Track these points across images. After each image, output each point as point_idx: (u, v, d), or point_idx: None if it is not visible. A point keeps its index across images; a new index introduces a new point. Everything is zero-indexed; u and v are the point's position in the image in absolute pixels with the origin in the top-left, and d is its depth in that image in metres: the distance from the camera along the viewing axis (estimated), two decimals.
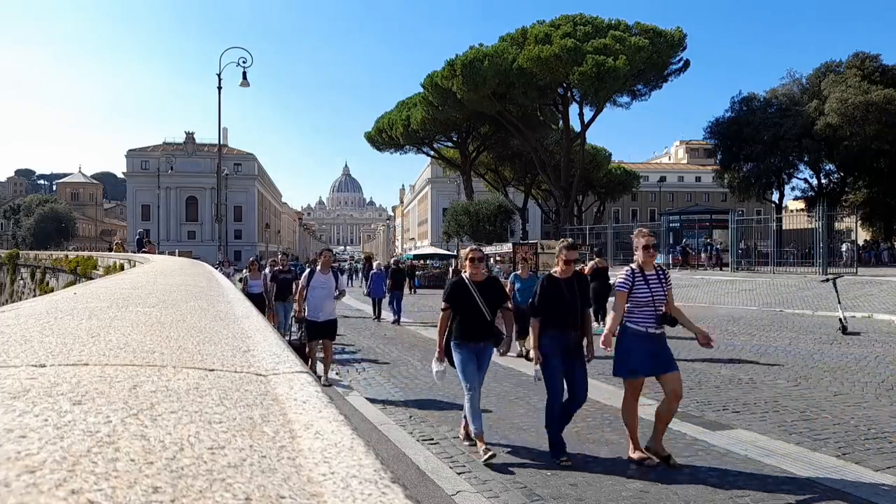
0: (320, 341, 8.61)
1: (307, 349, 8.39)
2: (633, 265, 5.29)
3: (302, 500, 0.66)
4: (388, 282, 17.58)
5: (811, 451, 5.33)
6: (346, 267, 48.96)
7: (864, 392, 7.59)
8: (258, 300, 11.05)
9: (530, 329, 5.44)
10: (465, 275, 5.69)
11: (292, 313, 10.61)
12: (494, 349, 5.66)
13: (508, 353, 10.09)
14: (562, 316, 5.36)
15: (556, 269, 5.56)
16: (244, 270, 15.51)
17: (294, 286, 11.30)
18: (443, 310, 5.69)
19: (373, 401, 7.48)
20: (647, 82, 38.31)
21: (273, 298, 11.91)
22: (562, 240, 5.79)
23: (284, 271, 12.52)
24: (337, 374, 9.23)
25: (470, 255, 5.74)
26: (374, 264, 22.25)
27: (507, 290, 10.94)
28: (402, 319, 16.45)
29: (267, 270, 12.72)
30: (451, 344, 5.56)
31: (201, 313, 2.40)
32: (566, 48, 33.82)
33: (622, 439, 5.72)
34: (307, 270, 8.75)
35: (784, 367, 9.27)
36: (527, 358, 5.20)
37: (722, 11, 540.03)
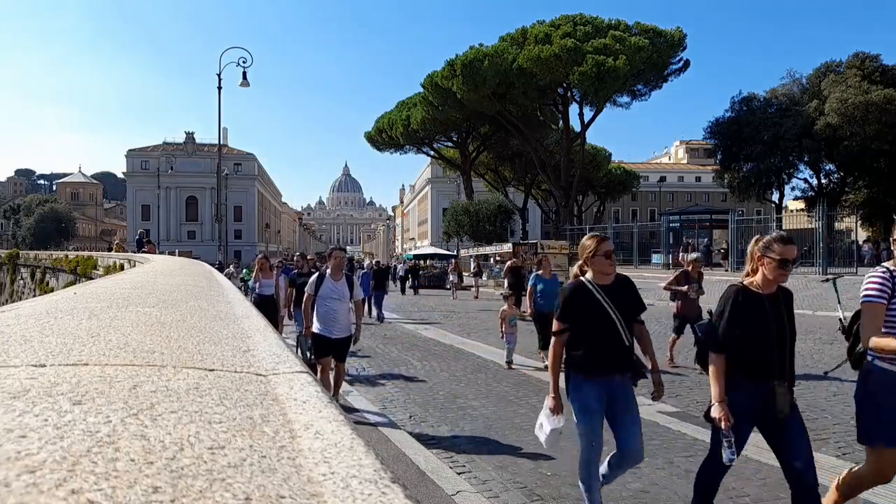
0: (332, 361, 6.96)
1: (318, 369, 6.87)
2: (890, 264, 3.41)
3: (302, 500, 0.66)
4: (371, 282, 17.96)
5: None
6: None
7: None
8: (269, 302, 10.12)
9: (711, 374, 3.36)
10: (588, 276, 3.77)
11: (301, 331, 9.11)
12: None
13: (518, 363, 9.62)
14: (767, 356, 3.30)
15: (754, 279, 3.39)
16: (243, 271, 14.90)
17: None
18: (556, 332, 3.74)
19: (373, 402, 7.47)
20: (647, 82, 38.37)
21: (292, 305, 10.32)
22: (771, 233, 3.44)
23: (304, 274, 10.69)
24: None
25: (602, 248, 3.70)
26: (365, 264, 22.66)
27: (528, 294, 9.69)
28: (397, 318, 16.72)
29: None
30: (569, 380, 3.74)
31: (201, 313, 2.40)
32: (566, 48, 33.86)
33: None
34: (314, 276, 7.13)
35: None
36: (706, 418, 3.42)
37: (722, 12, 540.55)
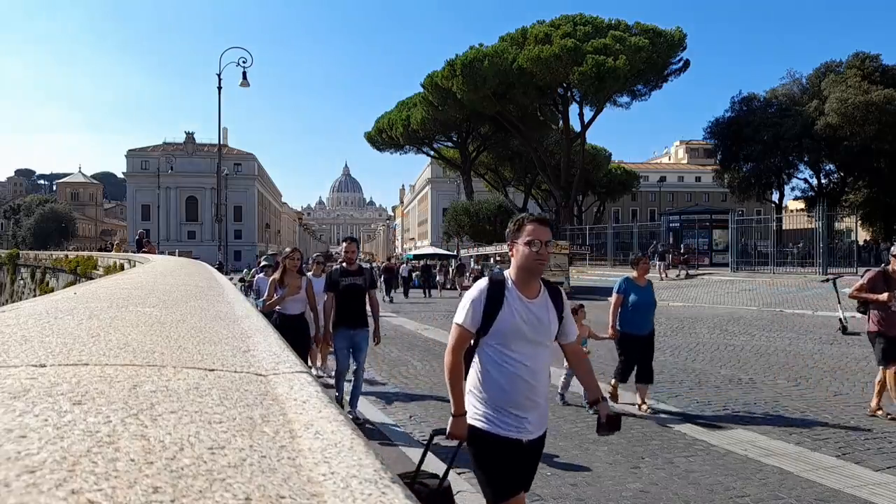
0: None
1: None
2: None
3: (302, 500, 0.66)
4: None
5: (811, 451, 5.33)
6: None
7: (864, 392, 7.59)
8: (297, 326, 6.85)
9: None
10: None
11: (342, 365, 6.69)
12: None
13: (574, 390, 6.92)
14: None
15: None
16: (254, 271, 11.04)
17: (368, 296, 6.77)
18: None
19: (373, 402, 7.47)
20: (647, 82, 38.35)
21: (329, 320, 6.69)
22: None
23: (352, 273, 6.73)
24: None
25: None
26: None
27: (613, 305, 6.83)
28: (398, 319, 16.83)
29: (311, 274, 7.91)
30: None
31: (201, 313, 2.40)
32: (566, 48, 33.85)
33: (622, 439, 5.72)
34: (480, 282, 2.86)
35: (784, 367, 9.26)
36: None
37: (722, 11, 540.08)
